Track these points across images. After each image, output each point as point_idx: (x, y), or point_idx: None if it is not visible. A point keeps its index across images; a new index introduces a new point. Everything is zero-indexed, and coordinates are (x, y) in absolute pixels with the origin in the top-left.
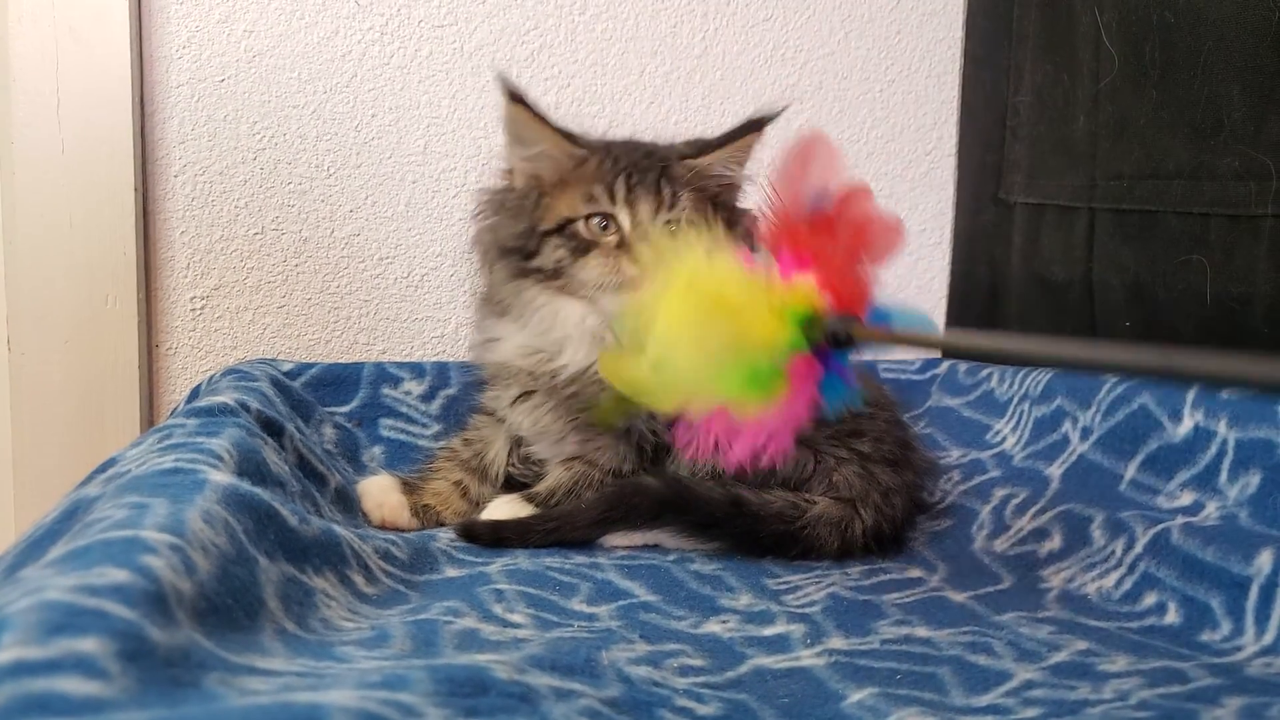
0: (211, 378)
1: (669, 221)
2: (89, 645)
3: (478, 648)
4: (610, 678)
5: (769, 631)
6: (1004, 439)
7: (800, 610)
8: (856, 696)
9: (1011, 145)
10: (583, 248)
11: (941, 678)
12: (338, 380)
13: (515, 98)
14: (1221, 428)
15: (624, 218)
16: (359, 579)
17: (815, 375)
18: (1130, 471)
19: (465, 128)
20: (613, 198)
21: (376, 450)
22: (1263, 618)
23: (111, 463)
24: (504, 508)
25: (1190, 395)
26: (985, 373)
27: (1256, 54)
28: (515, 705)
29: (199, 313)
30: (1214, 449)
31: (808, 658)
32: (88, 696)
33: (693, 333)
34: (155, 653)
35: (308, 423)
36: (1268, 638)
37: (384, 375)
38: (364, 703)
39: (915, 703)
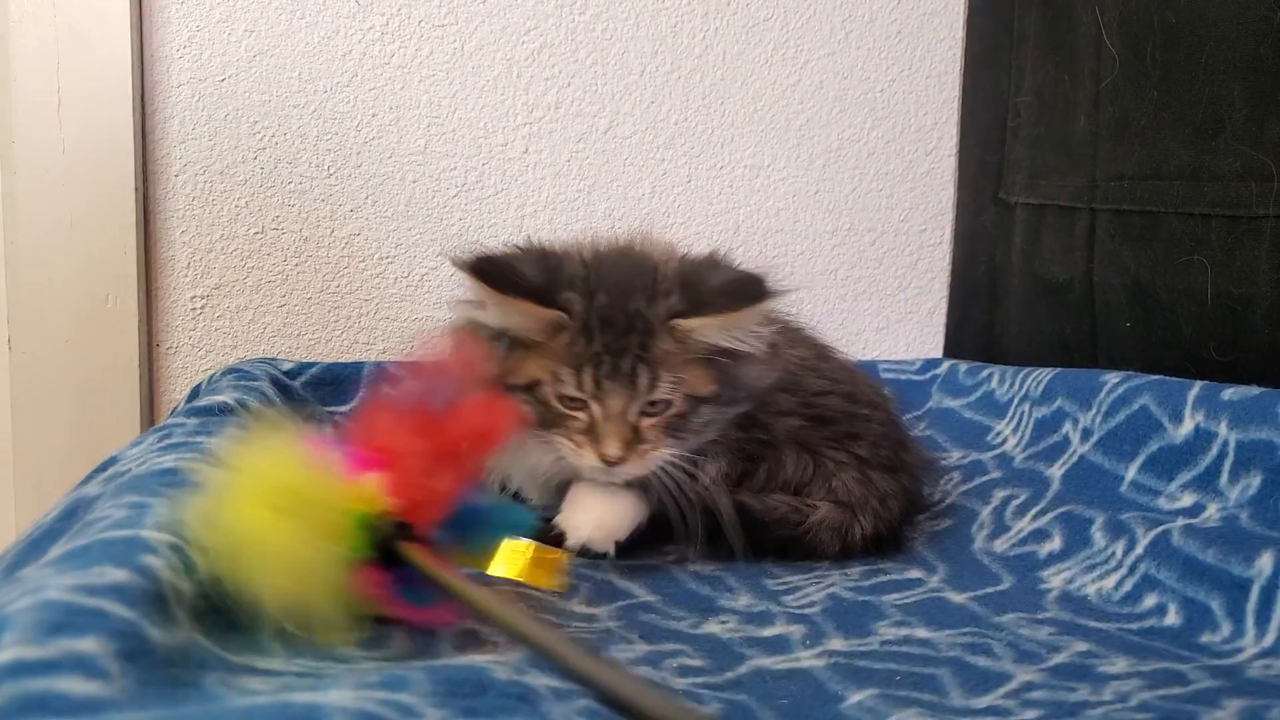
0: (212, 377)
1: (652, 403)
2: (88, 645)
3: (476, 648)
4: None
5: (768, 632)
6: (1004, 440)
7: (800, 611)
8: (856, 697)
9: (1012, 145)
10: (548, 418)
11: (941, 679)
12: (338, 380)
13: (478, 272)
14: (1222, 429)
15: (595, 408)
16: None
17: (387, 580)
18: (1131, 473)
19: (466, 127)
20: (580, 385)
21: None
22: (1263, 619)
23: (112, 462)
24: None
25: (1191, 396)
26: (986, 373)
27: (1258, 55)
28: (514, 705)
29: (199, 312)
30: (1215, 450)
31: (807, 658)
32: (87, 696)
33: (252, 533)
34: (155, 653)
35: (308, 422)
36: (1268, 639)
37: (385, 375)
38: (363, 703)
39: (914, 704)
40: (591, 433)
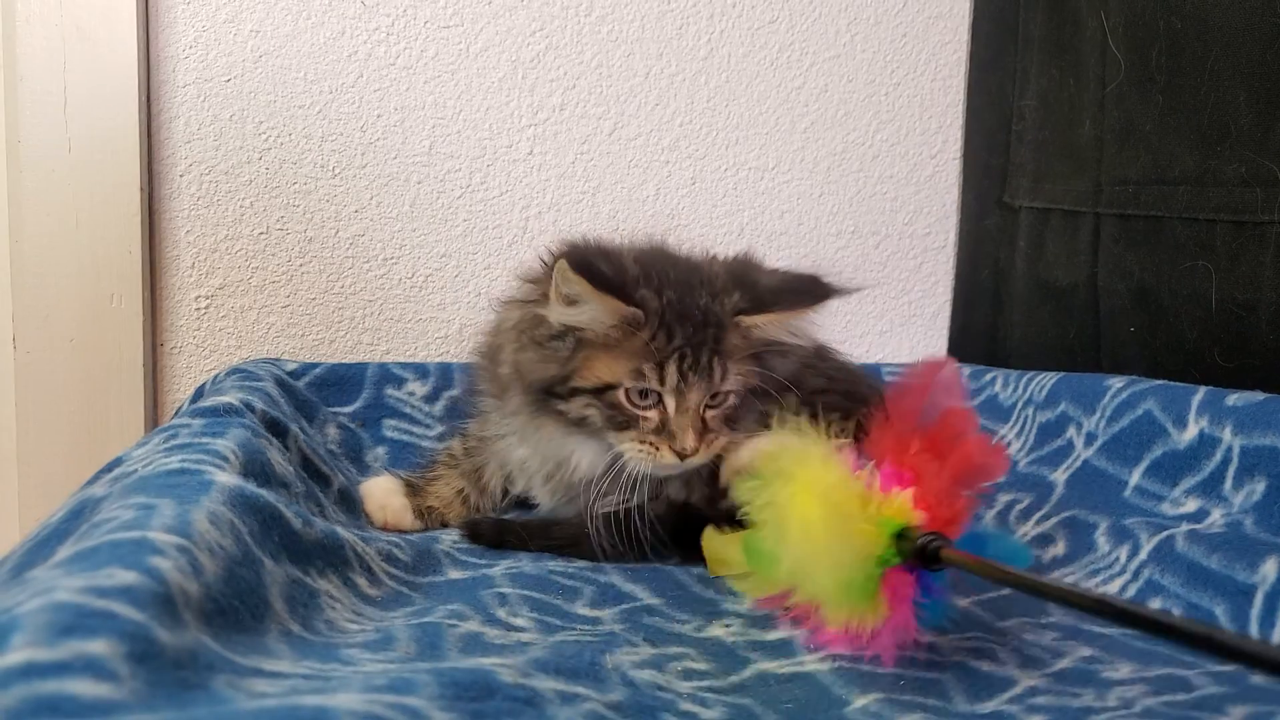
0: (216, 377)
1: (715, 395)
2: (98, 647)
3: (482, 651)
4: (614, 681)
5: (772, 636)
6: (1008, 444)
7: None
8: (860, 702)
9: (1017, 149)
10: (619, 420)
11: (945, 684)
12: (341, 380)
13: (581, 267)
14: (1226, 434)
15: (670, 401)
16: (362, 581)
17: (910, 590)
18: (1135, 478)
19: (470, 128)
20: (662, 380)
21: (380, 451)
22: (1267, 625)
23: (117, 462)
24: None
25: (1195, 401)
26: (989, 377)
27: (1263, 60)
28: (520, 709)
29: (204, 312)
30: (1219, 456)
31: (811, 662)
32: (97, 698)
33: (800, 534)
34: (163, 654)
35: (311, 423)
36: None
37: (387, 376)
38: (371, 706)
39: (919, 709)
40: (663, 430)
